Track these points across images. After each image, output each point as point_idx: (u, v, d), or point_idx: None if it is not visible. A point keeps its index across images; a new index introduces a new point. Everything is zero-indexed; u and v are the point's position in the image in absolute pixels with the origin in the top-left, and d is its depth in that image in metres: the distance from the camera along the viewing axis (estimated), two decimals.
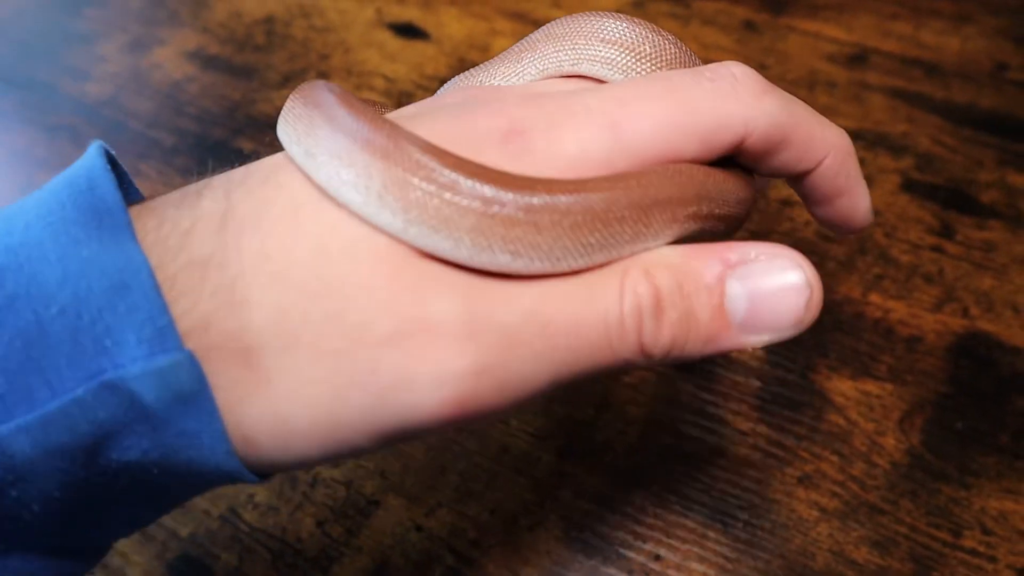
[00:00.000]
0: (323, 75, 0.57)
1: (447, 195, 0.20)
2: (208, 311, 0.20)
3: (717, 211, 0.23)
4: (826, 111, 0.52)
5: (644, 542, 0.37)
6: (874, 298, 0.44)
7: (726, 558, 0.37)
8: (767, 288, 0.21)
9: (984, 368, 0.41)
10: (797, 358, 0.42)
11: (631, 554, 0.37)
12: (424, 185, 0.20)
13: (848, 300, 0.44)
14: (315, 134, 0.22)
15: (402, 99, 0.55)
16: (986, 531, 0.37)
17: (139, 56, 0.60)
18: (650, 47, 0.25)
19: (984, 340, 0.42)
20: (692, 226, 0.22)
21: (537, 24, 0.60)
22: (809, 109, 0.25)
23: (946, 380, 0.41)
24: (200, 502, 0.40)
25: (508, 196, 0.20)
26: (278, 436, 0.21)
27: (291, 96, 0.24)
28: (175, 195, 0.22)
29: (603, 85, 0.24)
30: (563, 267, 0.21)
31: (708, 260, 0.21)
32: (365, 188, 0.20)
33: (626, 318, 0.21)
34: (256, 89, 0.56)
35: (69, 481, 0.20)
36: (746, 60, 0.57)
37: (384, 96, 0.56)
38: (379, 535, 0.38)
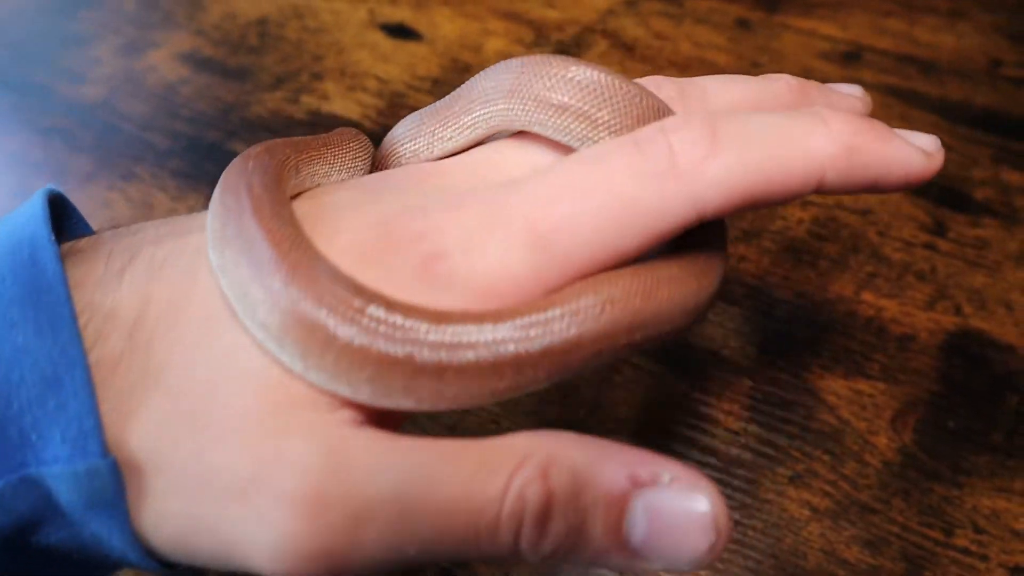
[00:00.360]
0: (317, 76, 0.57)
1: (353, 341, 0.19)
2: (103, 413, 0.19)
3: (653, 334, 0.21)
4: None
5: None
6: (866, 296, 0.44)
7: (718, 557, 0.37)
8: (672, 521, 0.18)
9: (977, 366, 0.41)
10: (789, 357, 0.42)
11: None
12: (328, 330, 0.19)
13: (840, 299, 0.44)
14: (225, 248, 0.20)
15: (395, 99, 0.55)
16: (978, 530, 0.36)
17: (133, 58, 0.60)
18: (608, 113, 0.23)
19: (977, 338, 0.42)
20: (619, 355, 0.21)
21: (531, 24, 0.60)
22: (780, 132, 0.21)
23: (939, 379, 0.41)
24: None
25: (412, 348, 0.19)
26: (164, 547, 0.20)
27: (223, 175, 0.22)
28: (99, 264, 0.21)
29: (529, 181, 0.21)
30: (471, 407, 0.20)
31: (616, 472, 0.19)
32: (264, 327, 0.19)
33: (503, 522, 0.18)
34: (250, 91, 0.56)
35: None
36: (739, 59, 0.56)
37: (377, 97, 0.56)
38: None
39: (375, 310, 0.19)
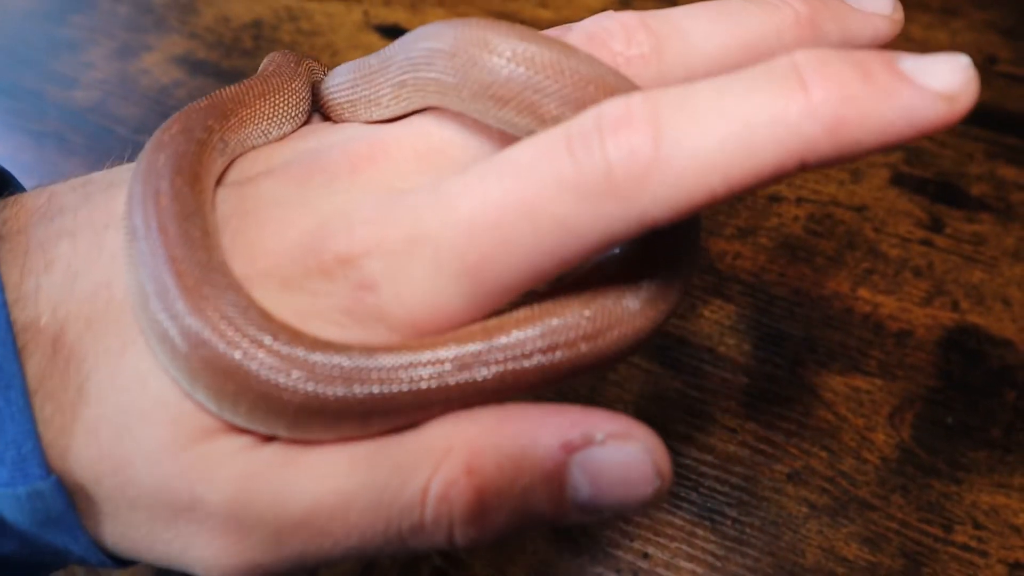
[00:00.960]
0: None
1: (270, 388, 0.18)
2: (48, 441, 0.19)
3: (588, 363, 0.19)
4: None
5: (632, 540, 0.37)
6: (863, 293, 0.44)
7: (715, 556, 0.36)
8: (614, 477, 0.18)
9: (974, 362, 0.41)
10: (786, 354, 0.42)
11: (619, 552, 0.37)
12: (240, 376, 0.18)
13: (837, 295, 0.44)
14: (136, 270, 0.19)
15: None
16: (977, 525, 0.36)
17: (126, 62, 0.60)
18: (556, 105, 0.19)
19: (974, 333, 0.42)
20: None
21: (524, 25, 0.60)
22: (743, 115, 0.17)
23: (936, 374, 0.41)
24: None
25: (332, 389, 0.18)
26: (119, 552, 0.20)
27: (133, 172, 0.20)
28: (15, 270, 0.20)
29: (458, 195, 0.19)
30: (389, 430, 0.19)
31: (548, 443, 0.18)
32: (174, 365, 0.18)
33: (429, 526, 0.18)
34: None
35: None
36: None
37: None
38: (327, 570, 0.38)
39: (292, 350, 0.18)
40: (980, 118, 0.51)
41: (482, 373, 0.18)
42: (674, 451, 0.39)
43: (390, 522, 0.18)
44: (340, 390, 0.18)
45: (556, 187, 0.18)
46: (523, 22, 0.60)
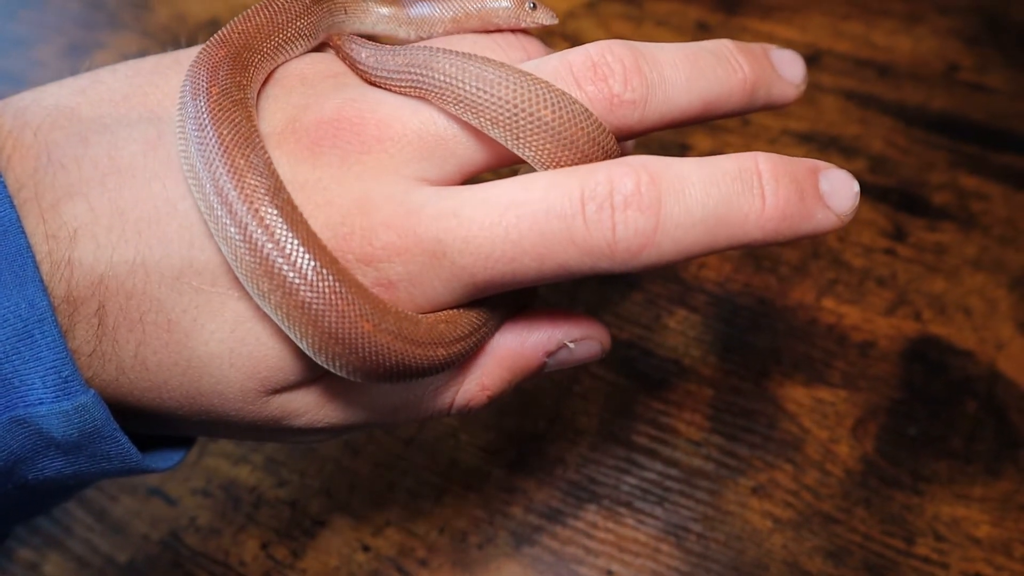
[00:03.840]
0: None
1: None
2: (76, 355, 0.22)
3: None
4: (779, 113, 0.52)
5: (596, 557, 0.36)
6: (827, 303, 0.44)
7: (680, 572, 0.36)
8: (575, 360, 0.28)
9: (936, 372, 0.41)
10: (751, 365, 0.41)
11: (583, 570, 0.36)
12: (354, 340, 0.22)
13: (801, 305, 0.44)
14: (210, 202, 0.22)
15: None
16: (939, 537, 0.36)
17: (78, 61, 0.58)
18: (563, 152, 0.24)
19: (936, 344, 0.42)
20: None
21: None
22: (719, 214, 0.23)
23: (899, 385, 0.41)
24: (140, 526, 0.38)
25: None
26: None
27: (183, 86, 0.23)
28: (37, 235, 0.22)
29: (477, 226, 0.23)
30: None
31: (533, 354, 0.27)
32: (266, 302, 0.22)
33: (455, 409, 0.27)
34: None
35: None
36: None
37: None
38: (325, 556, 0.37)
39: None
40: (941, 126, 0.51)
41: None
42: (639, 466, 0.39)
43: (422, 419, 0.27)
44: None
45: (567, 242, 0.22)
46: None
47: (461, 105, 0.23)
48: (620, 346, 0.42)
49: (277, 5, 0.26)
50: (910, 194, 0.48)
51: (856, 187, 0.24)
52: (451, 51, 0.24)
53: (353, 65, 0.26)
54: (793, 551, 0.36)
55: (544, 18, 0.27)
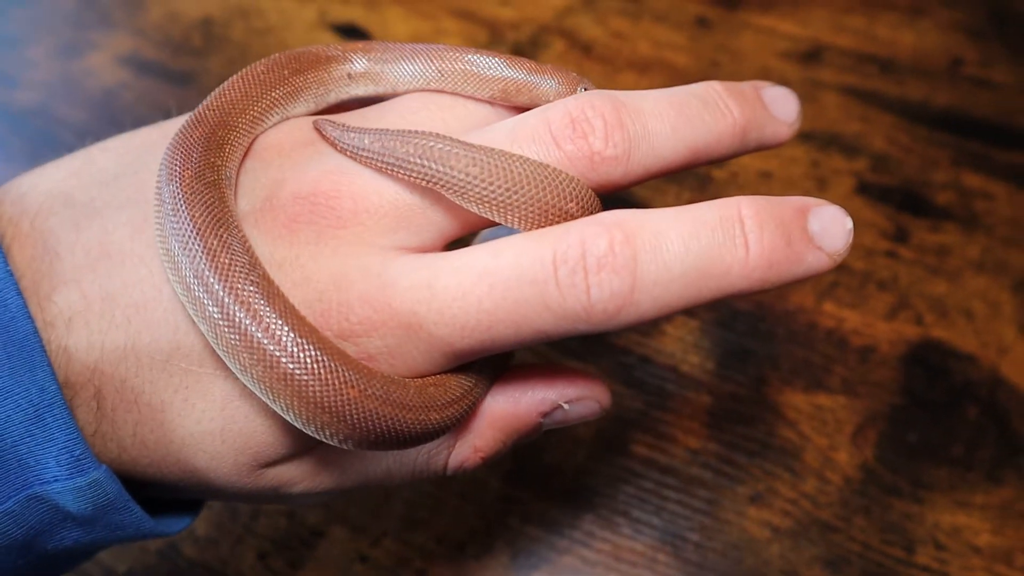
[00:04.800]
0: None
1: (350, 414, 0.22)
2: (86, 435, 0.23)
3: None
4: None
5: (593, 567, 0.36)
6: (828, 307, 0.43)
7: None
8: (572, 419, 0.27)
9: (937, 377, 0.41)
10: (749, 371, 0.41)
11: None
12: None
13: (801, 309, 0.43)
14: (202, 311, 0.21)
15: None
16: (939, 546, 0.36)
17: (70, 61, 0.57)
18: (531, 218, 0.23)
19: (937, 348, 0.42)
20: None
21: (486, 24, 0.59)
22: (700, 266, 0.22)
23: (899, 391, 0.40)
24: None
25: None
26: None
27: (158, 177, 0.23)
28: (41, 295, 0.23)
29: (454, 297, 0.23)
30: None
31: (527, 414, 0.26)
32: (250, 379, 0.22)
33: (450, 471, 0.27)
34: (194, 96, 0.54)
35: (6, 569, 0.23)
36: (698, 59, 0.55)
37: None
38: (323, 567, 0.37)
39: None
40: (944, 123, 0.51)
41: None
42: (636, 474, 0.39)
43: (416, 480, 0.27)
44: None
45: (541, 308, 0.22)
46: (484, 20, 0.59)
47: (445, 189, 0.23)
48: (617, 353, 0.42)
49: (252, 76, 0.25)
50: (912, 193, 0.47)
51: (849, 224, 0.23)
52: (431, 135, 0.23)
53: (334, 145, 0.25)
54: (791, 560, 0.36)
55: None
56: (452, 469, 0.27)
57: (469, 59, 0.26)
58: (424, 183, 0.23)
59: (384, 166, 0.24)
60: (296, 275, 0.23)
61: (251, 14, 0.60)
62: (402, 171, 0.23)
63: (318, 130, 0.25)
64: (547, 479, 0.39)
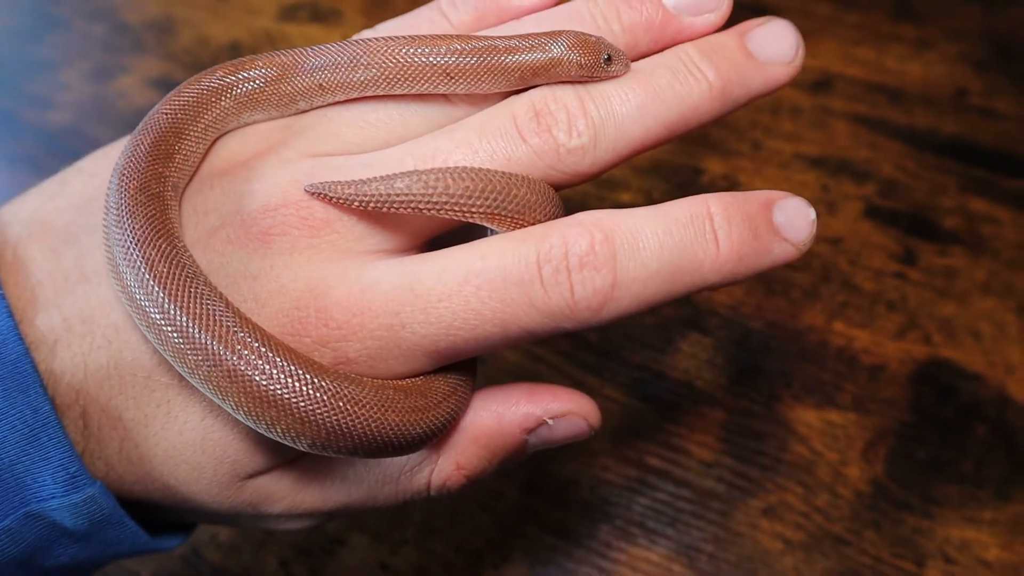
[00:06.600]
0: None
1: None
2: (80, 452, 0.24)
3: None
4: (791, 137, 0.53)
5: None
6: (838, 326, 0.44)
7: None
8: (559, 438, 0.27)
9: (946, 396, 0.42)
10: (762, 388, 0.42)
11: None
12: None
13: (812, 329, 0.44)
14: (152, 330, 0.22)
15: None
16: (949, 560, 0.37)
17: (102, 84, 0.59)
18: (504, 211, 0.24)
19: (946, 367, 0.42)
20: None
21: None
22: (675, 262, 0.23)
23: (909, 408, 0.41)
24: None
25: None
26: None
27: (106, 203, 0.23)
28: (26, 324, 0.24)
29: (434, 302, 0.23)
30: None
31: (511, 431, 0.26)
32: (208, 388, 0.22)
33: (432, 490, 0.27)
34: None
35: None
36: None
37: None
38: (344, 574, 0.38)
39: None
40: (951, 150, 0.52)
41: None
42: (651, 487, 0.39)
43: (401, 501, 0.27)
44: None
45: (527, 306, 0.23)
46: None
47: (425, 212, 0.23)
48: (632, 368, 0.43)
49: (206, 81, 0.25)
50: (920, 218, 0.49)
51: (812, 214, 0.24)
52: (410, 173, 0.23)
53: (336, 204, 0.24)
54: (804, 572, 0.37)
55: (620, 71, 0.25)
56: (435, 488, 0.26)
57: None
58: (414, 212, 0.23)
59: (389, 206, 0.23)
60: (271, 285, 0.23)
61: (278, 40, 0.62)
62: (384, 205, 0.23)
63: (316, 196, 0.24)
64: (563, 490, 0.40)
